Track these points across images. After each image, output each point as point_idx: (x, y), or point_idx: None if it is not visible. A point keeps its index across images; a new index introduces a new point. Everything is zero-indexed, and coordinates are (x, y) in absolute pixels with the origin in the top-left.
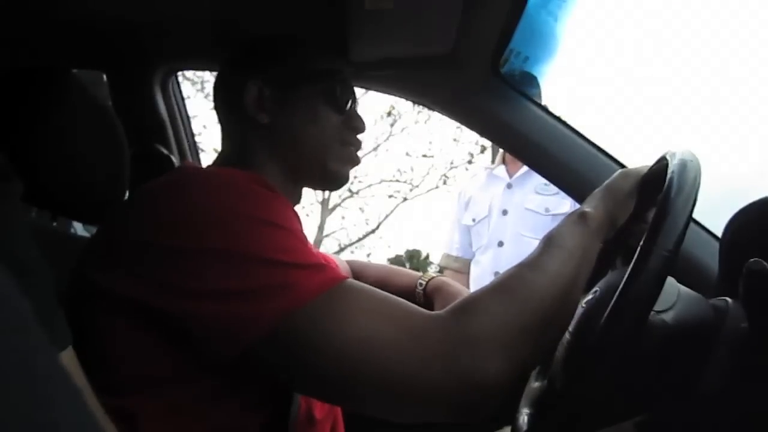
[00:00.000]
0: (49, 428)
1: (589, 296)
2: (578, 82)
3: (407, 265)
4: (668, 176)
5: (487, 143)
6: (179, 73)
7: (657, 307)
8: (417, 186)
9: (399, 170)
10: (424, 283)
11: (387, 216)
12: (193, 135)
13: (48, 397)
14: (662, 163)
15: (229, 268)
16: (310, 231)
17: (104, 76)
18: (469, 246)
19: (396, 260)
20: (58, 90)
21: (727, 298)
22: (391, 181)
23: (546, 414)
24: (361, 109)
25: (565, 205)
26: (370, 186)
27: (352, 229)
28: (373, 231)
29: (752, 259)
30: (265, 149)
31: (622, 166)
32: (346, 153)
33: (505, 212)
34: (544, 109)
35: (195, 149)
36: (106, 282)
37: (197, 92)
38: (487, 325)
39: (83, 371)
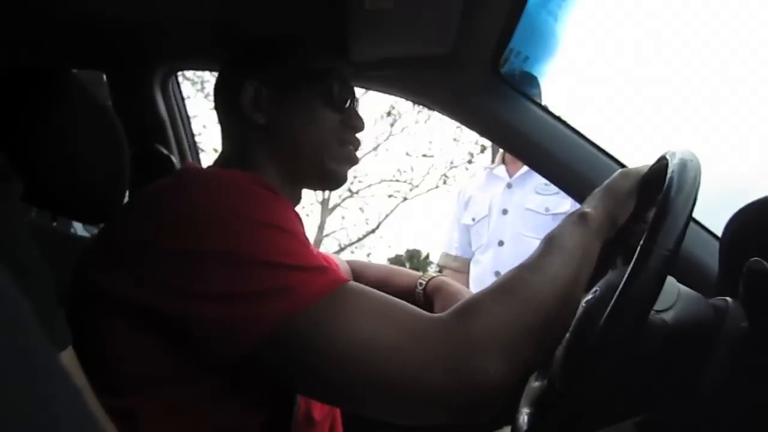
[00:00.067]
0: (50, 427)
1: (589, 296)
2: (578, 82)
3: (407, 264)
4: (668, 176)
5: (487, 143)
6: (179, 73)
7: (657, 306)
8: (417, 186)
9: (399, 170)
10: (424, 282)
11: (387, 216)
12: (193, 135)
13: (48, 396)
14: (662, 163)
15: (231, 271)
16: (310, 231)
17: (104, 76)
18: (468, 245)
19: (396, 260)
20: (58, 90)
21: (727, 298)
22: (391, 181)
23: (546, 414)
24: (361, 109)
25: (566, 204)
26: (370, 186)
27: (352, 229)
28: (373, 231)
29: (752, 259)
30: (264, 150)
31: (622, 165)
32: (344, 153)
33: (505, 212)
34: (544, 109)
35: (195, 149)
36: (107, 282)
37: (197, 92)
38: (488, 326)
39: (83, 371)
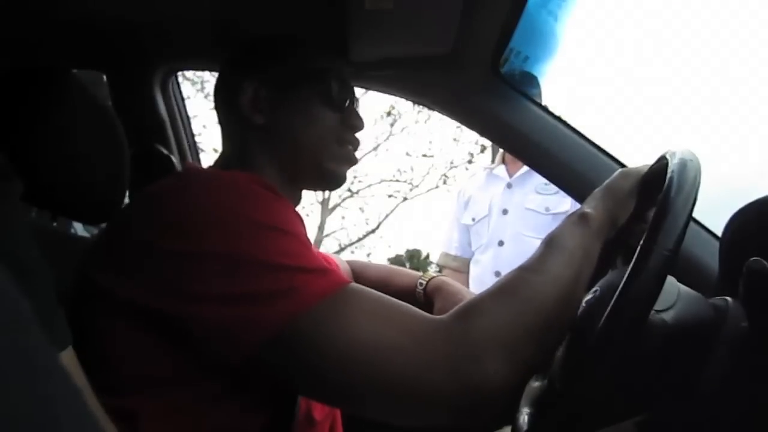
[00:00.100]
0: (50, 427)
1: (589, 296)
2: (578, 82)
3: (407, 264)
4: (668, 176)
5: (487, 143)
6: (179, 73)
7: (657, 306)
8: (417, 186)
9: (399, 170)
10: (424, 282)
11: (387, 216)
12: (193, 135)
13: (48, 396)
14: (662, 163)
15: (232, 272)
16: (310, 231)
17: (104, 76)
18: (468, 245)
19: (396, 260)
20: (58, 90)
21: (727, 298)
22: (391, 180)
23: (546, 413)
24: (361, 109)
25: (566, 203)
26: (370, 186)
27: (352, 229)
28: (373, 231)
29: (752, 259)
30: (264, 150)
31: (622, 165)
32: (343, 153)
33: (505, 212)
34: (544, 109)
35: (195, 149)
36: (108, 282)
37: (197, 92)
38: (489, 327)
39: (83, 371)
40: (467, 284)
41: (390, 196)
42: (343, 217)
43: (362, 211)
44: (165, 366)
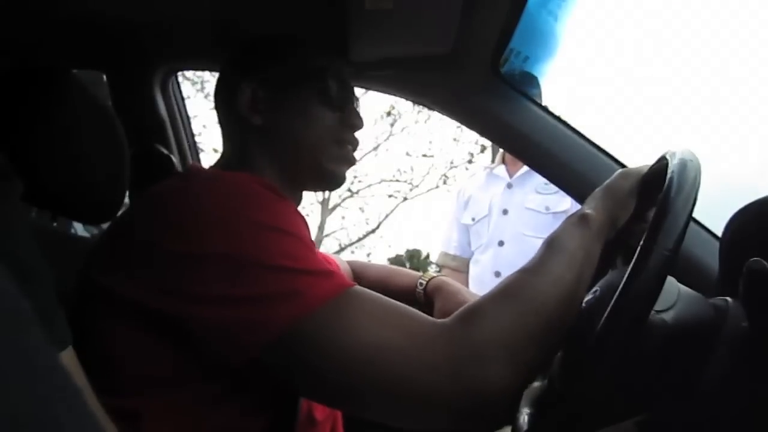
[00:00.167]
0: (50, 427)
1: (589, 296)
2: (578, 82)
3: (407, 264)
4: (668, 176)
5: (487, 143)
6: (179, 73)
7: (657, 306)
8: (417, 186)
9: (399, 170)
10: (424, 282)
11: (387, 216)
12: (193, 135)
13: (48, 396)
14: (662, 163)
15: (236, 274)
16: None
17: (104, 76)
18: (467, 245)
19: (396, 260)
20: (59, 90)
21: (728, 298)
22: (391, 180)
23: (546, 414)
24: (361, 109)
25: (566, 202)
26: (370, 186)
27: (352, 229)
28: (373, 231)
29: (752, 259)
30: (264, 152)
31: (622, 165)
32: (342, 153)
33: (505, 212)
34: (545, 109)
35: (195, 149)
36: (110, 283)
37: (197, 92)
38: (491, 331)
39: (84, 371)
40: (466, 284)
41: (390, 196)
42: (343, 217)
43: (362, 211)
44: (165, 367)
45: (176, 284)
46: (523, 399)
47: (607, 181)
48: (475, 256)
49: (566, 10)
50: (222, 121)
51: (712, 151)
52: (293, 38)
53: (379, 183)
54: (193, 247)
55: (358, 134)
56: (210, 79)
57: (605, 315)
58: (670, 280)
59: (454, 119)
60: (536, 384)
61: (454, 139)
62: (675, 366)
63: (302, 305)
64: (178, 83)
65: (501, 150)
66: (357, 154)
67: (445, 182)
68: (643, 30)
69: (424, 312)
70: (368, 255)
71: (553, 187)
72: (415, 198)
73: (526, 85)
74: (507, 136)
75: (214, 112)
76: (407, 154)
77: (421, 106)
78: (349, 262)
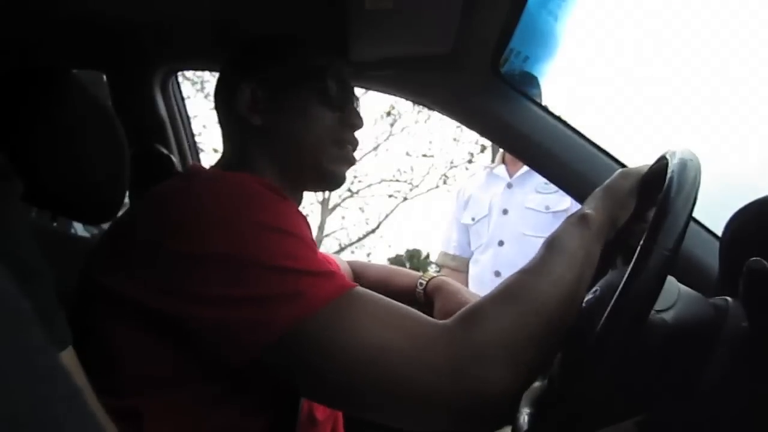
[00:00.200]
0: (50, 427)
1: (589, 296)
2: (578, 82)
3: (407, 264)
4: (668, 175)
5: (487, 143)
6: (179, 73)
7: (657, 306)
8: (417, 186)
9: (399, 170)
10: (424, 282)
11: (387, 216)
12: (193, 135)
13: (48, 396)
14: (662, 163)
15: (238, 275)
16: None
17: (104, 76)
18: (467, 245)
19: (396, 260)
20: (59, 90)
21: (728, 297)
22: (391, 180)
23: (546, 414)
24: (361, 109)
25: (566, 201)
26: (370, 186)
27: (352, 228)
28: (373, 231)
29: (752, 258)
30: (263, 152)
31: (622, 165)
32: (342, 153)
33: (505, 212)
34: (545, 109)
35: (195, 149)
36: (111, 283)
37: (197, 92)
38: (492, 332)
39: (84, 371)
40: (466, 284)
41: (390, 196)
42: (343, 217)
43: (362, 211)
44: (165, 367)
45: (177, 284)
46: (523, 399)
47: (607, 181)
48: (474, 255)
49: (566, 10)
50: (222, 122)
51: (712, 151)
52: (293, 38)
53: (379, 183)
54: (195, 247)
55: (358, 134)
56: (210, 79)
57: (605, 315)
58: (670, 280)
59: (454, 119)
60: (536, 384)
61: (454, 139)
62: (675, 366)
63: (304, 306)
64: (178, 83)
65: (501, 150)
66: (357, 154)
67: (445, 182)
68: (643, 30)
69: (424, 312)
70: (368, 255)
71: (553, 187)
72: (415, 198)
73: (526, 85)
74: (507, 136)
75: (214, 112)
76: (407, 154)
77: (421, 106)
78: (349, 262)
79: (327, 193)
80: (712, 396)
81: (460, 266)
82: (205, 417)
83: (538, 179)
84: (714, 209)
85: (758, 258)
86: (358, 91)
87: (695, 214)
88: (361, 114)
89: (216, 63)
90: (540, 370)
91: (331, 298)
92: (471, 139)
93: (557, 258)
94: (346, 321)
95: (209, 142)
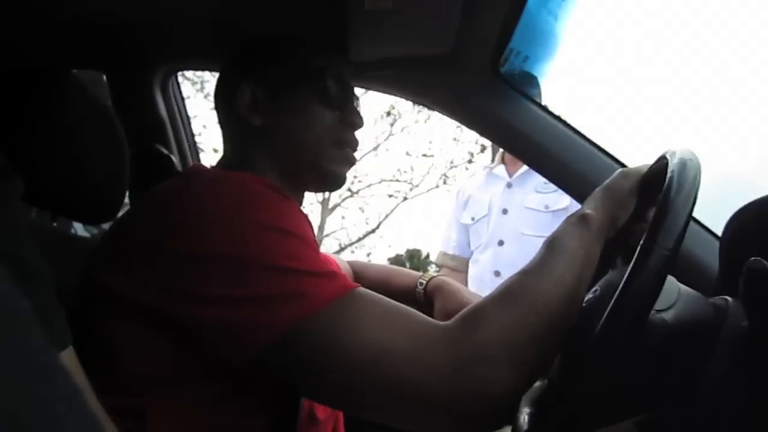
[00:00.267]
0: (50, 427)
1: (589, 295)
2: (578, 82)
3: (407, 264)
4: (668, 175)
5: (487, 143)
6: (179, 73)
7: (657, 306)
8: (417, 186)
9: (399, 170)
10: (424, 282)
11: (387, 216)
12: (193, 135)
13: (48, 396)
14: (662, 162)
15: (239, 275)
16: None
17: (104, 76)
18: (467, 245)
19: (396, 260)
20: (58, 90)
21: (728, 297)
22: (391, 180)
23: (546, 414)
24: (361, 109)
25: (565, 200)
26: (370, 186)
27: (352, 228)
28: (373, 231)
29: (752, 258)
30: (264, 152)
31: (622, 165)
32: (342, 154)
33: (505, 211)
34: (544, 108)
35: (195, 149)
36: (112, 283)
37: (197, 92)
38: (493, 333)
39: (84, 371)
40: (466, 284)
41: (390, 196)
42: (343, 217)
43: (362, 211)
44: (165, 367)
45: (177, 284)
46: (523, 399)
47: (607, 180)
48: (474, 255)
49: (566, 10)
50: (222, 122)
51: (712, 150)
52: (293, 38)
53: (379, 183)
54: (195, 247)
55: (358, 134)
56: (210, 79)
57: (605, 315)
58: (670, 280)
59: (454, 119)
60: (536, 384)
61: (454, 139)
62: (675, 366)
63: (305, 306)
64: (178, 83)
65: (501, 150)
66: (357, 154)
67: (445, 182)
68: (643, 30)
69: (424, 312)
70: (368, 255)
71: (553, 186)
72: (415, 198)
73: (526, 85)
74: (507, 136)
75: (214, 112)
76: (407, 154)
77: (421, 106)
78: (349, 262)
79: (327, 193)
80: (712, 396)
81: (459, 266)
82: (206, 417)
83: (538, 179)
84: (714, 209)
85: (758, 258)
86: (358, 91)
87: (695, 214)
88: (361, 114)
89: (216, 63)
90: (541, 371)
91: (332, 299)
92: (471, 139)
93: (557, 258)
94: (347, 321)
95: (209, 142)
